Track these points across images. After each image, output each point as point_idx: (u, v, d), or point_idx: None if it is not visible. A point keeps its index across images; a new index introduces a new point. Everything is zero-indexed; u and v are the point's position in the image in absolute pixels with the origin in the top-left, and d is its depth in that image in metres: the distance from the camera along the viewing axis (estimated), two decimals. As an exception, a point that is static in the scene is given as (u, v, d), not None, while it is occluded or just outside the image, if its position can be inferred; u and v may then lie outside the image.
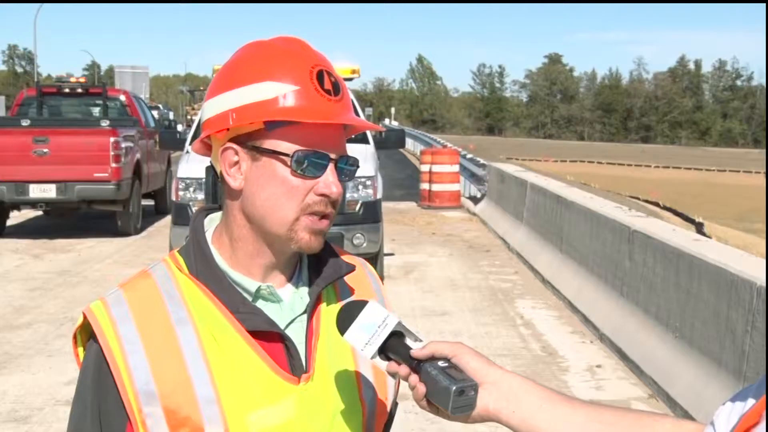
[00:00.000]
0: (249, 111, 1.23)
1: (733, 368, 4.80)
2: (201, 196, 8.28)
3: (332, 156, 1.25)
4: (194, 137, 8.99)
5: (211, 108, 1.28)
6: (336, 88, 1.26)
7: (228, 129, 1.26)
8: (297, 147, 1.23)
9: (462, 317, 7.85)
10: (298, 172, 1.23)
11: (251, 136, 1.25)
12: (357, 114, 1.36)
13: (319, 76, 1.24)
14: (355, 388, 1.33)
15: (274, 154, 1.24)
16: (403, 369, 1.21)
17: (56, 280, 9.37)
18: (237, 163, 1.26)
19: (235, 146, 1.26)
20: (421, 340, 1.24)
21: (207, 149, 1.34)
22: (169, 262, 1.31)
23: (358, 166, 1.32)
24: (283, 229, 1.26)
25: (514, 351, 6.78)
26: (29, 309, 8.05)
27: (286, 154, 1.23)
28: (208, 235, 1.33)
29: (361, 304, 1.24)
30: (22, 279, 9.47)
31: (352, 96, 10.70)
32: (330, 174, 1.25)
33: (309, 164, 1.23)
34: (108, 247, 11.57)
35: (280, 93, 1.22)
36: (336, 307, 1.33)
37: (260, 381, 1.24)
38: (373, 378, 1.36)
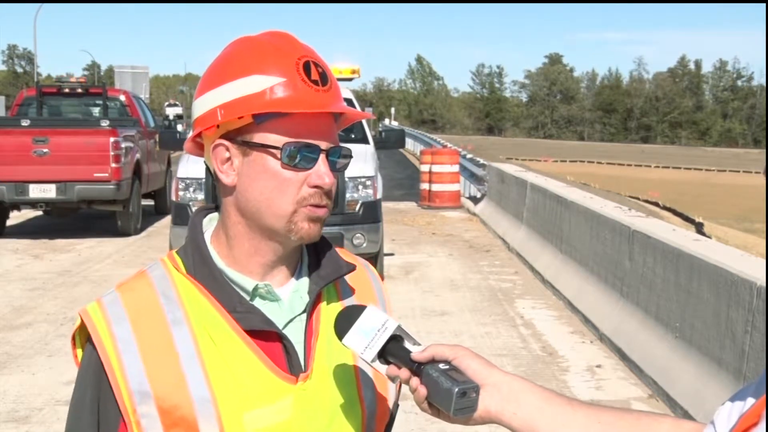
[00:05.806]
0: (237, 106, 1.22)
1: (733, 368, 4.80)
2: (201, 196, 8.28)
3: (323, 147, 1.24)
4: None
5: (200, 106, 1.27)
6: (324, 79, 1.25)
7: (218, 126, 1.25)
8: (286, 139, 1.22)
9: (462, 317, 7.85)
10: (289, 164, 1.22)
11: (241, 131, 1.24)
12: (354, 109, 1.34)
13: (306, 67, 1.23)
14: (355, 389, 1.32)
15: (264, 147, 1.23)
16: (404, 372, 1.21)
17: (56, 280, 9.36)
18: (229, 159, 1.26)
19: (225, 143, 1.26)
20: (419, 344, 1.23)
21: (199, 149, 1.34)
22: (167, 262, 1.31)
23: (351, 157, 1.31)
24: (282, 222, 1.25)
25: (514, 351, 6.78)
26: (29, 309, 8.05)
27: (276, 147, 1.22)
28: (207, 235, 1.32)
29: (360, 309, 1.24)
30: (22, 279, 9.47)
31: (350, 96, 10.63)
32: (322, 165, 1.24)
33: (299, 156, 1.22)
34: (108, 247, 11.57)
35: (266, 86, 1.22)
36: (337, 307, 1.33)
37: (257, 380, 1.23)
38: (374, 378, 1.35)
